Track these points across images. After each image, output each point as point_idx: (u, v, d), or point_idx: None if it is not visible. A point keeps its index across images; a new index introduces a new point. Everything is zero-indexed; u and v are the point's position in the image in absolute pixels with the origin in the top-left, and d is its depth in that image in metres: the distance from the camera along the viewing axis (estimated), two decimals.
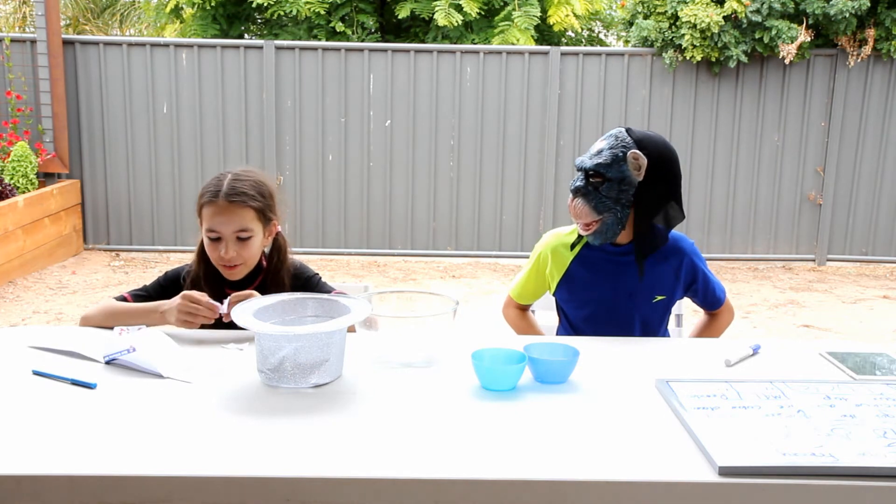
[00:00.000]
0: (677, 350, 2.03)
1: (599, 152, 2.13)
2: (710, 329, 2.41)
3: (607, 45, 9.99)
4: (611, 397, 1.64)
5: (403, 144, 6.95)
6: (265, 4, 7.77)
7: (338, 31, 7.91)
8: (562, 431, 1.46)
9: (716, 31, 6.46)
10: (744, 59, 6.59)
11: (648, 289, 2.22)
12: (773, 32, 6.49)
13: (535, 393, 1.65)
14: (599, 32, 10.50)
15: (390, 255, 7.07)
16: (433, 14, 7.69)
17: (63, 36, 6.72)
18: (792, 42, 6.52)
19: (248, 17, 8.67)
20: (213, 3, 8.06)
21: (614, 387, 1.69)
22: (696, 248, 2.30)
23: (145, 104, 6.83)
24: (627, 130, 2.14)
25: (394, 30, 8.64)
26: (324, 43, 7.06)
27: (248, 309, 1.72)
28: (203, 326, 2.04)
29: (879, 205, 7.09)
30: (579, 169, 2.16)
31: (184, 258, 2.26)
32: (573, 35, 9.48)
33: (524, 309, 2.47)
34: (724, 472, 1.29)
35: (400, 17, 7.96)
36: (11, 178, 6.18)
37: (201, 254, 2.16)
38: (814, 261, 7.15)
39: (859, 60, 6.76)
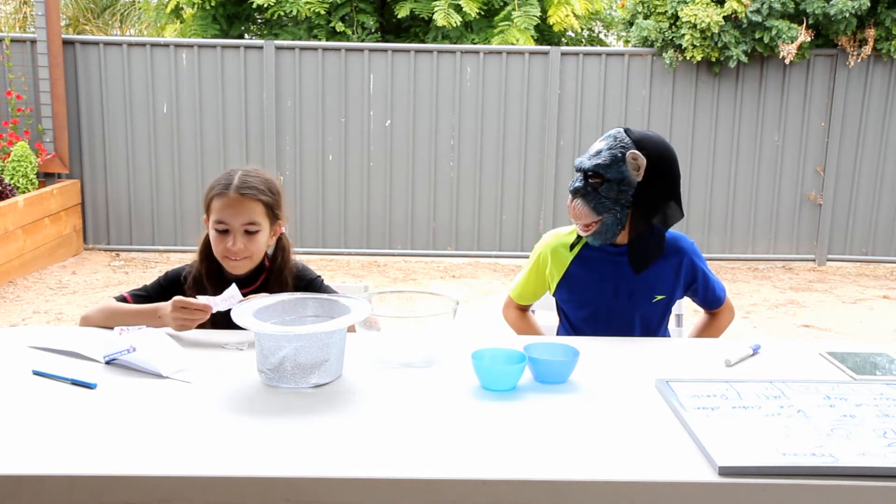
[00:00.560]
0: (677, 350, 2.03)
1: (598, 153, 2.13)
2: (710, 328, 2.41)
3: (607, 45, 9.98)
4: (611, 397, 1.64)
5: (403, 144, 6.95)
6: (265, 4, 7.77)
7: (338, 31, 7.91)
8: (562, 431, 1.46)
9: (716, 31, 6.46)
10: (744, 59, 6.59)
11: (648, 288, 2.22)
12: (774, 32, 6.49)
13: (535, 393, 1.65)
14: (599, 32, 10.50)
15: (390, 256, 7.07)
16: (433, 14, 7.69)
17: (63, 36, 6.72)
18: (792, 42, 6.52)
19: (249, 17, 8.67)
20: (213, 3, 8.06)
21: (614, 387, 1.69)
22: (696, 247, 2.30)
23: (145, 104, 6.83)
24: (626, 131, 2.14)
25: (394, 30, 8.64)
26: (324, 43, 7.07)
27: (248, 309, 1.72)
28: (202, 325, 2.04)
29: (879, 205, 7.09)
30: (578, 170, 2.16)
31: (184, 258, 2.26)
32: (573, 35, 9.48)
33: (524, 309, 2.47)
34: (724, 472, 1.29)
35: (400, 17, 7.96)
36: (11, 178, 6.18)
37: (204, 251, 2.16)
38: (814, 261, 7.15)
39: (859, 60, 6.76)
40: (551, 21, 8.06)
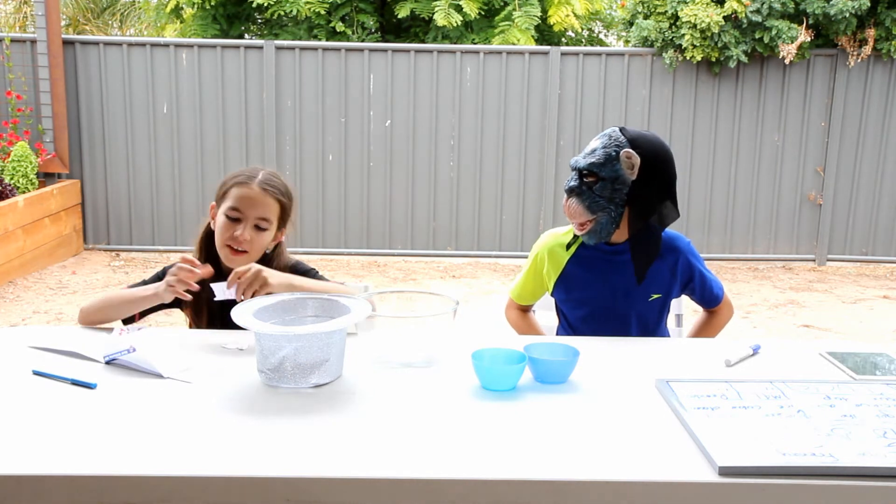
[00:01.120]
0: (677, 350, 2.03)
1: (593, 151, 2.13)
2: (708, 326, 2.41)
3: (607, 45, 9.99)
4: (611, 397, 1.64)
5: (403, 144, 6.95)
6: (265, 4, 7.77)
7: (338, 31, 7.91)
8: (562, 431, 1.46)
9: (716, 31, 6.46)
10: (744, 59, 6.59)
11: (644, 287, 2.22)
12: (773, 32, 6.49)
13: (535, 393, 1.65)
14: (599, 32, 10.50)
15: (390, 255, 7.07)
16: (433, 14, 7.69)
17: (63, 36, 6.72)
18: (792, 42, 6.52)
19: (248, 17, 8.67)
20: (213, 3, 8.06)
21: (614, 387, 1.69)
22: (692, 246, 2.30)
23: (145, 104, 6.83)
24: (621, 129, 2.14)
25: (394, 30, 8.64)
26: (324, 43, 7.07)
27: (248, 309, 1.72)
28: (208, 319, 2.04)
29: (879, 205, 7.09)
30: (573, 168, 2.16)
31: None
32: (573, 35, 9.48)
33: (525, 310, 2.47)
34: (724, 472, 1.29)
35: (400, 17, 7.96)
36: (11, 178, 6.18)
37: (203, 243, 2.17)
38: (814, 261, 7.15)
39: (859, 60, 6.76)
40: (551, 21, 8.07)
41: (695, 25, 6.49)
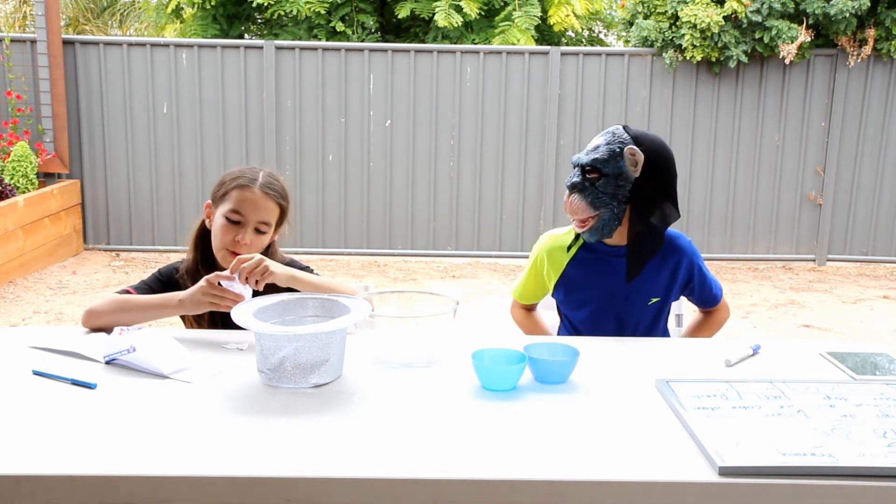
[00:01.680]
0: (677, 350, 2.03)
1: (596, 148, 2.12)
2: (704, 326, 2.40)
3: (607, 45, 9.98)
4: (611, 397, 1.63)
5: (403, 144, 6.95)
6: (265, 4, 7.77)
7: (338, 31, 7.91)
8: (562, 431, 1.46)
9: (716, 31, 6.46)
10: (744, 59, 6.59)
11: (644, 289, 2.22)
12: (773, 32, 6.49)
13: (535, 393, 1.64)
14: (599, 32, 10.50)
15: (390, 255, 7.07)
16: (433, 14, 7.69)
17: (63, 36, 6.72)
18: (792, 42, 6.52)
19: (248, 17, 8.67)
20: (213, 3, 8.05)
21: (614, 387, 1.69)
22: (694, 245, 2.30)
23: (145, 104, 6.83)
24: (625, 127, 2.14)
25: (394, 30, 8.64)
26: (324, 43, 7.07)
27: (248, 309, 1.72)
28: (208, 319, 2.04)
29: (879, 205, 7.09)
30: (575, 165, 2.16)
31: (183, 258, 2.26)
32: (573, 35, 9.48)
33: (530, 309, 2.47)
34: (724, 472, 1.29)
35: (400, 17, 7.96)
36: (11, 178, 6.18)
37: (198, 241, 2.16)
38: (814, 261, 7.15)
39: (859, 60, 6.76)
40: (552, 21, 8.07)
41: (695, 25, 6.49)
